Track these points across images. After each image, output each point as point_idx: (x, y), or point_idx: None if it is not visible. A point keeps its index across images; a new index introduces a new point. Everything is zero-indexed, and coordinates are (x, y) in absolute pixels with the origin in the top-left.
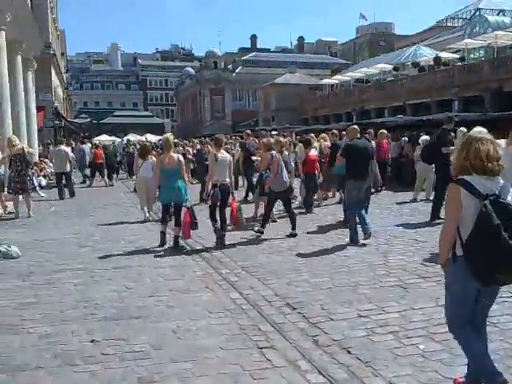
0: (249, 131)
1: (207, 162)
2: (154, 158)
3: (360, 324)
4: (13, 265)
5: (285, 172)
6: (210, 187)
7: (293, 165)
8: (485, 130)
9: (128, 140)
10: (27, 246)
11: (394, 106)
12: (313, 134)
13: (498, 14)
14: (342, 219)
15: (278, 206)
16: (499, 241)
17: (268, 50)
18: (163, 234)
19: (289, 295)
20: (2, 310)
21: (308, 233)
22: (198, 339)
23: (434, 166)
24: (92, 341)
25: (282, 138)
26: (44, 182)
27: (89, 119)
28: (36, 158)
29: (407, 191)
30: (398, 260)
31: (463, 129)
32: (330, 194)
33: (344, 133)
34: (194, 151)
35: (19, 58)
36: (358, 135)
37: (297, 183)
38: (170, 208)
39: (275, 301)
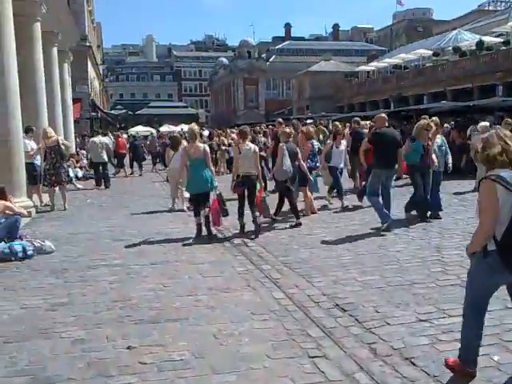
0: (281, 120)
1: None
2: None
3: (421, 330)
4: (47, 260)
5: (288, 161)
6: (234, 178)
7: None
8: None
9: (158, 131)
10: (62, 240)
11: (434, 93)
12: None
13: None
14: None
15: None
16: None
17: (302, 39)
18: (199, 225)
19: (337, 295)
20: (34, 311)
21: (352, 225)
22: (242, 346)
23: None
24: (128, 347)
25: (306, 128)
26: (80, 174)
27: (124, 110)
28: (73, 150)
29: (453, 180)
30: (454, 255)
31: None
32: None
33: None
34: (230, 141)
35: (55, 49)
36: (387, 124)
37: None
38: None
39: (323, 301)
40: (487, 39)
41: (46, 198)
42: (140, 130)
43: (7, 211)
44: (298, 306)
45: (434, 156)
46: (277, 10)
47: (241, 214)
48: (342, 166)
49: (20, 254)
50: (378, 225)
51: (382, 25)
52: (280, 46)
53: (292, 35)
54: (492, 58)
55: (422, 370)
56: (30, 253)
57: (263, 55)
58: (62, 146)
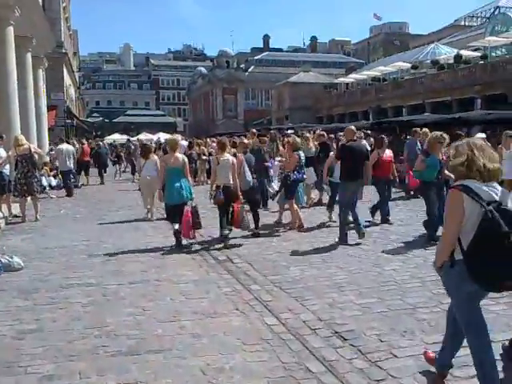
0: (254, 130)
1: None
2: (155, 158)
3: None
4: (15, 279)
5: (248, 172)
6: (213, 189)
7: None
8: (483, 136)
9: (128, 140)
10: (32, 255)
11: (413, 105)
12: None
13: None
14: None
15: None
16: (509, 248)
17: (281, 50)
18: (178, 232)
19: (335, 321)
20: None
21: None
22: None
23: None
24: None
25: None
26: (54, 183)
27: (101, 118)
28: (46, 159)
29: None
30: None
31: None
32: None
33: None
34: (211, 150)
35: (29, 55)
36: (355, 137)
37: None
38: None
39: (320, 328)
40: (465, 53)
41: (16, 208)
42: (117, 137)
43: None
44: (294, 334)
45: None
46: (255, 22)
47: (223, 223)
48: None
49: None
50: (369, 240)
51: (359, 38)
52: (259, 56)
53: (270, 46)
54: (470, 71)
55: None
56: None
57: (242, 65)
58: (35, 155)
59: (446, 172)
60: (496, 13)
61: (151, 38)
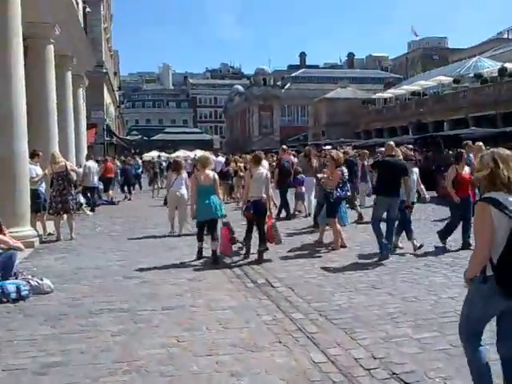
0: (285, 146)
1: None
2: (185, 173)
3: None
4: (44, 303)
5: None
6: (245, 202)
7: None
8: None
9: (158, 156)
10: (65, 277)
11: (455, 119)
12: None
13: None
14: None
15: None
16: None
17: (317, 67)
18: (200, 249)
19: (392, 359)
20: (18, 375)
21: (390, 262)
22: None
23: None
24: None
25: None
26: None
27: (139, 136)
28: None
29: None
30: None
31: None
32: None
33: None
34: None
35: (69, 73)
36: (393, 153)
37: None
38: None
39: (376, 369)
40: (510, 66)
41: (51, 226)
42: (155, 155)
43: (1, 245)
44: (345, 375)
45: None
46: (292, 40)
47: (248, 238)
48: (415, 198)
49: (13, 295)
50: (421, 263)
51: (397, 53)
52: (295, 73)
53: (307, 63)
54: None
55: None
56: (24, 293)
57: (278, 83)
58: (71, 172)
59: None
60: None
61: (189, 57)
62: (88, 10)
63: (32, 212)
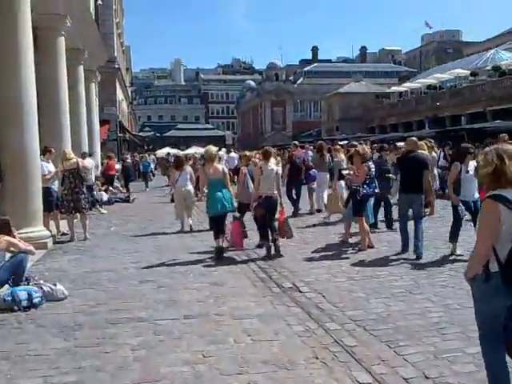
0: (296, 142)
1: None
2: (189, 169)
3: None
4: (57, 311)
5: (251, 185)
6: (255, 199)
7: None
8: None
9: (168, 153)
10: (78, 281)
11: (473, 113)
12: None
13: None
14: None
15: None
16: None
17: (329, 61)
18: (220, 249)
19: (447, 379)
20: None
21: (425, 264)
22: None
23: None
24: None
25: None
26: (105, 198)
27: (152, 133)
28: (98, 172)
29: None
30: None
31: None
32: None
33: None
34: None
35: (81, 67)
36: (415, 148)
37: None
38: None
39: None
40: None
41: (64, 225)
42: (167, 151)
43: (12, 248)
44: None
45: None
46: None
47: (265, 236)
48: (476, 196)
49: (24, 303)
50: (459, 264)
51: (410, 47)
52: (307, 68)
53: (319, 58)
54: None
55: None
56: (37, 300)
57: (291, 78)
58: (84, 170)
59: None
60: None
61: (201, 53)
62: (99, 2)
63: (45, 211)
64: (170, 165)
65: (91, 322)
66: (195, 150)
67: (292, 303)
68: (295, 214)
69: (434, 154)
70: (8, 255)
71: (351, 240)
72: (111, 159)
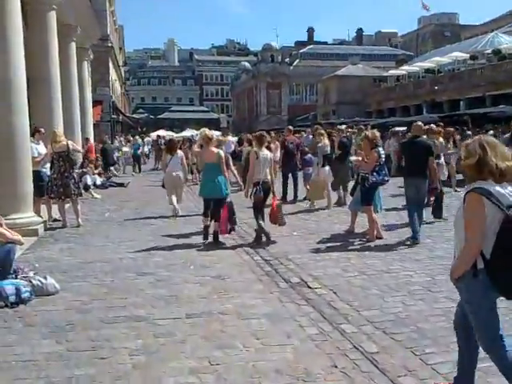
0: (290, 127)
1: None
2: (181, 153)
3: None
4: (48, 307)
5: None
6: (251, 185)
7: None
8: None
9: (158, 136)
10: (71, 273)
11: (472, 98)
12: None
13: None
14: None
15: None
16: None
17: (325, 43)
18: (206, 227)
19: None
20: None
21: (438, 257)
22: None
23: None
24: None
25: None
26: (99, 181)
27: (146, 114)
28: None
29: None
30: None
31: None
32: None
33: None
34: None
35: (73, 44)
36: (421, 133)
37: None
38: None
39: None
40: None
41: (56, 211)
42: (162, 134)
43: None
44: None
45: None
46: (299, 16)
47: (261, 225)
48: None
49: (12, 298)
50: None
51: (406, 30)
52: (303, 50)
53: (315, 40)
54: None
55: None
56: (25, 295)
57: (286, 60)
58: (72, 152)
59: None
60: None
61: (195, 33)
62: None
63: (35, 196)
64: (160, 148)
65: (85, 320)
66: (190, 133)
67: (302, 301)
68: (283, 199)
69: (440, 139)
70: None
71: (357, 230)
72: (88, 141)
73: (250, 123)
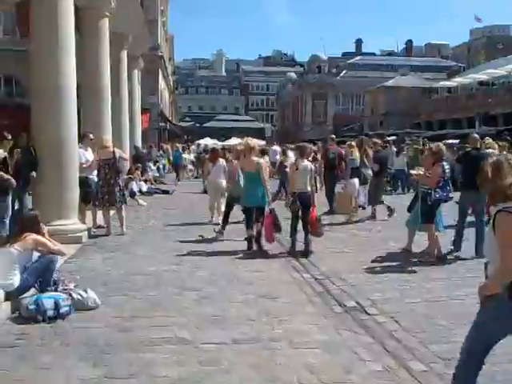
0: (333, 136)
1: None
2: (223, 162)
3: None
4: (86, 325)
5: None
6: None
7: None
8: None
9: (198, 144)
10: (112, 285)
11: None
12: None
13: None
14: None
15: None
16: None
17: (373, 54)
18: (249, 238)
19: None
20: None
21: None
22: None
23: None
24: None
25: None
26: (145, 188)
27: (192, 123)
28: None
29: None
30: None
31: None
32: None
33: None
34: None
35: (124, 53)
36: (478, 145)
37: None
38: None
39: None
40: None
41: (101, 218)
42: (208, 142)
43: (40, 248)
44: None
45: None
46: (346, 28)
47: (294, 232)
48: None
49: (50, 313)
50: None
51: (457, 42)
52: (351, 60)
53: (362, 51)
54: None
55: None
56: (64, 310)
57: (333, 70)
58: (119, 159)
59: None
60: None
61: (242, 44)
62: None
63: (81, 202)
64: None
65: (125, 341)
66: (235, 142)
67: (360, 329)
68: (330, 212)
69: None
70: (36, 255)
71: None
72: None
73: (294, 133)
